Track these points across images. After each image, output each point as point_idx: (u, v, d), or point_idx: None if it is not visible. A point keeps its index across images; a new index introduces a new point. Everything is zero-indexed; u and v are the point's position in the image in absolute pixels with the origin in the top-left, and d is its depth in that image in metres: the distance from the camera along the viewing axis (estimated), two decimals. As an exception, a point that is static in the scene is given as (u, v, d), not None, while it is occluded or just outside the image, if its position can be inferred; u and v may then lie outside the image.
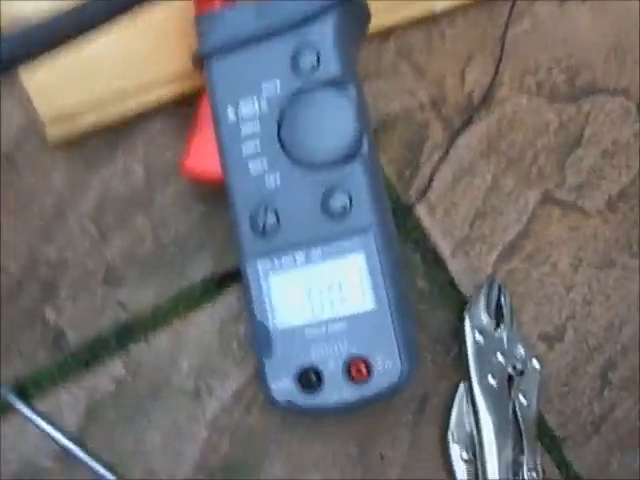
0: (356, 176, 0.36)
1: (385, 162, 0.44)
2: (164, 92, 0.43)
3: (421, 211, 0.44)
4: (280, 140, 0.37)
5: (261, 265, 0.37)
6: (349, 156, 0.36)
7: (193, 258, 0.43)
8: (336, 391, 0.36)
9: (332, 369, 0.36)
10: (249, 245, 0.37)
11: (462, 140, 0.45)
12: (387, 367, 0.35)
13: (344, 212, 0.36)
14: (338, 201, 0.36)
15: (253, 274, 0.37)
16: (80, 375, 0.42)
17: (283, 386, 0.36)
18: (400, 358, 0.35)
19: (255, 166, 0.37)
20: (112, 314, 0.43)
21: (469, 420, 0.42)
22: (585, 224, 0.45)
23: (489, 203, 0.45)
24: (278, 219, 0.37)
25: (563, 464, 0.43)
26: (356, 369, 0.36)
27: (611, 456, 0.43)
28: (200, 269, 0.43)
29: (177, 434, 0.42)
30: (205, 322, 0.43)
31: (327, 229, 0.36)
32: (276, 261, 0.37)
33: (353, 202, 0.36)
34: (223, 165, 0.38)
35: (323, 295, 0.36)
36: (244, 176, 0.37)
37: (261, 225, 0.37)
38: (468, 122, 0.45)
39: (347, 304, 0.36)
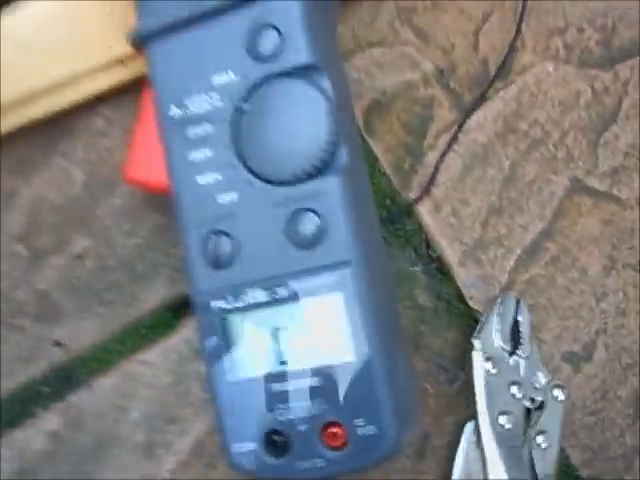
0: (331, 195, 0.29)
1: (380, 151, 0.39)
2: (105, 80, 0.37)
3: (423, 210, 0.39)
4: (235, 146, 0.30)
5: (215, 303, 0.31)
6: (322, 168, 0.30)
7: (144, 282, 0.38)
8: (307, 456, 0.30)
9: (302, 432, 0.30)
10: (200, 278, 0.31)
11: (474, 120, 0.39)
12: (368, 434, 0.29)
13: (315, 240, 0.29)
14: (308, 226, 0.29)
15: (206, 314, 0.31)
16: (8, 432, 0.37)
17: (246, 449, 0.31)
18: (385, 423, 0.29)
19: (205, 178, 0.31)
20: (46, 356, 0.37)
21: (477, 469, 0.36)
22: (621, 217, 0.39)
23: (506, 197, 0.39)
24: (235, 247, 0.30)
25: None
26: (330, 434, 0.30)
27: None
28: (152, 296, 0.38)
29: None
30: (159, 361, 0.37)
31: (295, 261, 0.30)
32: (233, 299, 0.31)
33: (327, 228, 0.29)
34: (169, 175, 0.32)
35: (291, 342, 0.30)
36: (192, 190, 0.31)
37: (214, 254, 0.31)
38: (482, 97, 0.39)
39: (321, 354, 0.30)
